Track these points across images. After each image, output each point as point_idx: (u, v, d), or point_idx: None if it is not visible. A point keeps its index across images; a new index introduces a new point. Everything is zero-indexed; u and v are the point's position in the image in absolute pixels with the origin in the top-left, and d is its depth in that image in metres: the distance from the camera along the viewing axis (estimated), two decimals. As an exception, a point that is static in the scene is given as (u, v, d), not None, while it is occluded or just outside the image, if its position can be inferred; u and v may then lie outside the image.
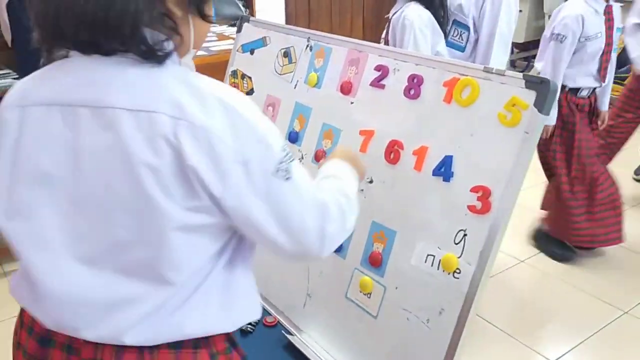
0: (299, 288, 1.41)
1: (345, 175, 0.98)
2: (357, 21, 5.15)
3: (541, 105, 0.98)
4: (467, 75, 1.10)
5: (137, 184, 0.70)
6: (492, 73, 1.06)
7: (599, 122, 2.53)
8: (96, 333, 0.77)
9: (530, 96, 0.99)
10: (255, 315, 0.90)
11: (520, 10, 5.00)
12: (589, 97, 2.39)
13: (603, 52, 2.30)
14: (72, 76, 0.74)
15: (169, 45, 0.74)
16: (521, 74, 1.01)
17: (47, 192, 0.75)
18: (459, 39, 2.19)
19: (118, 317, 0.76)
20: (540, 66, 2.41)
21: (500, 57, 2.13)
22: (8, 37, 2.50)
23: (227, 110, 0.72)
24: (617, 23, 2.33)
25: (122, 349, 0.78)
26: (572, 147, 2.38)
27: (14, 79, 3.24)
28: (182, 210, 0.72)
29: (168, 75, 0.74)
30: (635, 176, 3.28)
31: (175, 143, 0.69)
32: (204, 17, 0.80)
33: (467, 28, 2.17)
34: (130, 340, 0.77)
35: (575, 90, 2.35)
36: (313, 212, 0.82)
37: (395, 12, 1.99)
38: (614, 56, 2.37)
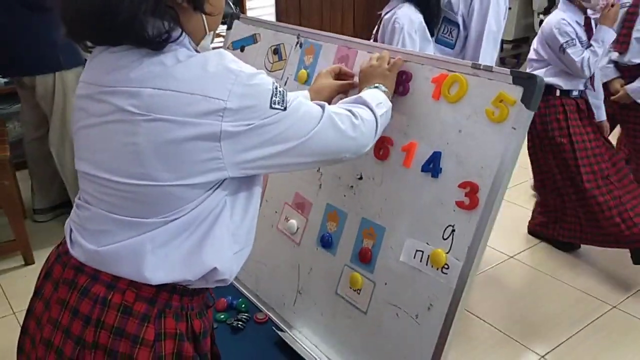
0: (289, 285, 1.42)
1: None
2: (347, 18, 5.15)
3: (528, 100, 0.99)
4: (455, 72, 1.11)
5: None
6: (479, 69, 1.07)
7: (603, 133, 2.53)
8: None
9: (517, 92, 1.00)
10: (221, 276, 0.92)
11: (510, 8, 5.01)
12: (581, 96, 2.40)
13: None
14: (94, 62, 0.89)
15: (174, 33, 0.83)
16: (508, 69, 1.02)
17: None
18: (448, 36, 2.19)
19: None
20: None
21: (489, 54, 2.13)
22: None
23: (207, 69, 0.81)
24: None
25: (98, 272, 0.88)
26: (583, 147, 2.36)
27: (2, 77, 3.22)
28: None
29: (164, 57, 0.82)
30: None
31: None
32: (202, 11, 0.87)
33: (456, 25, 2.18)
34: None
35: (567, 92, 2.37)
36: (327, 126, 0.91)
37: (388, 12, 1.96)
38: (597, 71, 2.40)
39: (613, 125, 2.76)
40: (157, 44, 0.82)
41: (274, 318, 1.44)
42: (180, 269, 0.87)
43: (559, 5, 2.38)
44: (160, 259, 0.85)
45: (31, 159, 2.84)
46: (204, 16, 0.88)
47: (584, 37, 2.31)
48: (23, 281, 2.43)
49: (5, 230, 2.56)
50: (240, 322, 1.41)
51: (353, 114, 0.98)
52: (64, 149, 2.67)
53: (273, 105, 0.83)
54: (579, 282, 2.41)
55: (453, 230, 1.06)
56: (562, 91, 2.36)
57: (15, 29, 2.42)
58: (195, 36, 0.89)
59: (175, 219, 0.85)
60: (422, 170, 1.13)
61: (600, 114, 2.50)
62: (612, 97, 2.58)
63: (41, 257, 2.54)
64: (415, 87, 1.18)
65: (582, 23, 2.32)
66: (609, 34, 2.26)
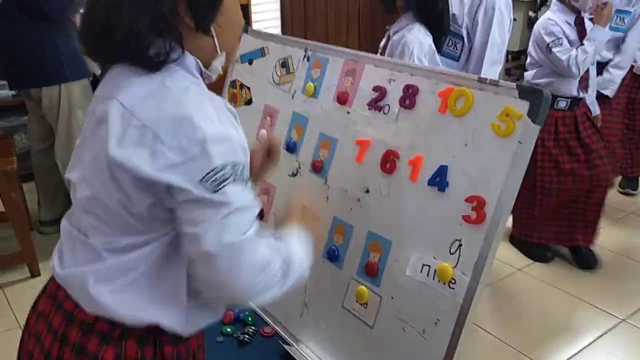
0: (296, 298, 1.41)
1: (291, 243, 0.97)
2: (353, 28, 5.17)
3: (535, 115, 0.99)
4: (461, 86, 1.11)
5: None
6: (485, 83, 1.07)
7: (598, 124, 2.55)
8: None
9: (523, 106, 1.00)
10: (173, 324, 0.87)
11: (515, 19, 5.04)
12: (569, 109, 2.38)
13: None
14: (104, 78, 0.90)
15: (173, 55, 0.81)
16: (514, 83, 1.02)
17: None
18: (453, 48, 2.21)
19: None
20: (530, 75, 2.44)
21: (493, 66, 2.14)
22: None
23: (177, 111, 0.78)
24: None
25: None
26: (534, 163, 2.39)
27: (10, 90, 3.25)
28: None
29: (157, 78, 0.82)
30: (620, 189, 3.28)
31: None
32: (205, 33, 0.86)
33: (461, 38, 2.20)
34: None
35: (554, 101, 2.33)
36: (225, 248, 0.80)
37: (397, 31, 1.91)
38: (591, 68, 2.39)
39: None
40: (153, 65, 0.81)
41: (280, 331, 1.43)
42: (127, 311, 0.84)
43: (550, 6, 2.39)
44: (104, 295, 0.83)
45: (38, 170, 2.86)
46: (214, 36, 0.87)
47: (573, 37, 2.31)
48: (29, 293, 2.43)
49: (12, 242, 2.57)
50: (247, 336, 1.41)
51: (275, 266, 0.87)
52: (68, 160, 2.69)
53: (203, 182, 0.77)
54: (586, 294, 2.39)
55: (460, 245, 1.06)
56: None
57: (22, 42, 2.45)
58: (203, 56, 0.87)
59: (117, 252, 0.83)
60: (429, 184, 1.13)
61: (595, 109, 2.53)
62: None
63: (47, 269, 2.57)
64: (421, 101, 1.18)
65: (573, 23, 2.33)
66: (601, 33, 2.26)
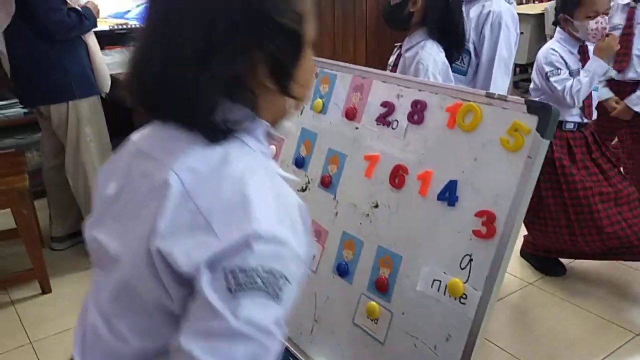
0: (306, 313, 1.41)
1: None
2: (360, 45, 5.21)
3: (543, 129, 0.99)
4: (469, 101, 1.12)
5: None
6: (494, 98, 1.07)
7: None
8: None
9: (532, 121, 1.00)
10: None
11: (522, 32, 5.05)
12: (579, 130, 2.36)
13: None
14: (150, 130, 0.80)
15: (246, 124, 0.71)
16: (523, 99, 1.03)
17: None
18: (460, 63, 2.21)
19: None
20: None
21: (501, 80, 2.15)
22: (6, 65, 2.56)
23: (236, 197, 0.67)
24: None
25: None
26: (560, 187, 2.36)
27: (22, 108, 3.30)
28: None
29: (220, 150, 0.71)
30: None
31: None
32: (289, 96, 0.75)
33: (468, 52, 2.20)
34: None
35: (561, 123, 2.33)
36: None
37: (409, 48, 1.89)
38: (594, 94, 2.37)
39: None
40: (219, 133, 0.70)
41: (291, 348, 1.43)
42: None
43: (554, 34, 2.40)
44: None
45: (49, 186, 2.89)
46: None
47: (576, 66, 2.30)
48: (40, 310, 2.45)
49: (23, 259, 2.58)
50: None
51: None
52: (78, 175, 2.71)
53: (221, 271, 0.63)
54: (599, 309, 2.36)
55: (470, 260, 1.06)
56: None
57: (32, 60, 2.50)
58: (275, 116, 0.77)
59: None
60: (438, 199, 1.13)
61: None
62: (612, 113, 2.58)
63: (58, 286, 2.58)
64: (430, 116, 1.19)
65: (576, 52, 2.32)
66: (598, 65, 2.23)
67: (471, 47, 2.18)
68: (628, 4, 2.57)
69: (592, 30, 2.23)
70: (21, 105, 3.28)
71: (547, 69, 2.30)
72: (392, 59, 2.06)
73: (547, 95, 2.37)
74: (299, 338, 1.43)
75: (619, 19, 2.58)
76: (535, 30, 5.19)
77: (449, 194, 1.12)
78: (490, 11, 2.14)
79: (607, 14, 2.23)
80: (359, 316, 1.27)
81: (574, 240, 2.39)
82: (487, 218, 1.04)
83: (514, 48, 2.18)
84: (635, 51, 2.56)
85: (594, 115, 2.40)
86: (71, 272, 2.72)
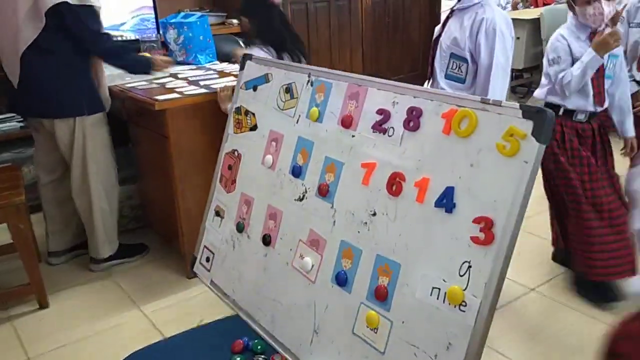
0: (305, 324, 1.40)
1: None
2: (356, 54, 5.23)
3: (539, 134, 0.98)
4: (464, 107, 1.11)
5: None
6: (489, 104, 1.07)
7: (625, 150, 2.49)
8: None
9: (527, 126, 1.00)
10: None
11: (518, 37, 5.08)
12: (588, 122, 2.35)
13: (592, 79, 2.28)
14: None
15: None
16: (518, 104, 1.02)
17: None
18: (458, 71, 2.23)
19: None
20: (539, 93, 2.42)
21: (499, 86, 2.15)
22: (15, 80, 2.56)
23: None
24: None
25: None
26: (576, 171, 2.34)
27: (18, 121, 3.30)
28: None
29: None
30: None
31: None
32: None
33: (465, 60, 2.21)
34: None
35: (570, 113, 2.32)
36: None
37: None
38: (608, 83, 2.34)
39: None
40: None
41: (290, 359, 1.41)
42: None
43: (567, 19, 2.37)
44: None
45: (45, 202, 2.88)
46: None
47: (581, 53, 2.26)
48: (38, 325, 2.43)
49: (20, 274, 2.57)
50: (257, 364, 1.39)
51: None
52: (83, 192, 2.70)
53: None
54: (602, 314, 2.35)
55: (469, 266, 1.05)
56: (566, 111, 2.32)
57: (43, 74, 2.50)
58: None
59: None
60: (436, 206, 1.13)
61: (625, 130, 2.44)
62: (634, 110, 2.54)
63: (56, 301, 2.56)
64: (426, 123, 1.19)
65: (585, 38, 2.29)
66: (593, 59, 2.20)
67: (467, 54, 2.19)
68: None
69: (590, 16, 2.21)
70: (18, 119, 3.27)
71: (550, 55, 2.29)
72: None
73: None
74: (298, 349, 1.41)
75: None
76: (531, 35, 5.21)
77: (446, 201, 1.11)
78: (483, 18, 2.15)
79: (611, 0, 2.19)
80: (359, 326, 1.26)
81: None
82: (485, 224, 1.03)
83: (510, 53, 2.18)
84: None
85: (606, 103, 2.36)
86: (69, 287, 2.70)
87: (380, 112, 1.29)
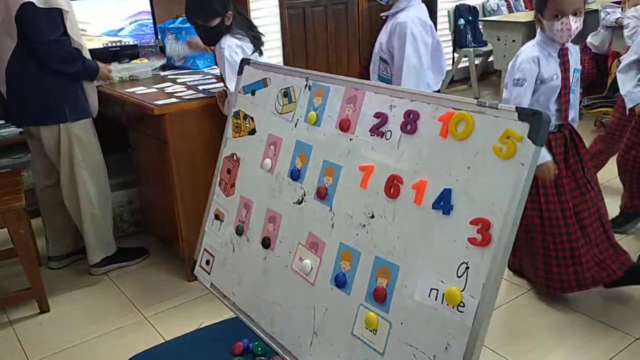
0: (305, 326, 1.41)
1: None
2: (353, 58, 5.24)
3: (535, 136, 1.00)
4: (461, 110, 1.12)
5: None
6: (485, 107, 1.08)
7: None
8: None
9: (523, 128, 1.01)
10: None
11: (514, 41, 5.11)
12: (560, 131, 2.36)
13: (560, 94, 2.31)
14: None
15: None
16: (514, 106, 1.04)
17: None
18: (385, 73, 2.45)
19: None
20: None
21: (412, 86, 2.30)
22: (3, 88, 2.57)
23: None
24: (573, 64, 2.34)
25: None
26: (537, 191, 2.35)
27: (17, 127, 3.30)
28: None
29: None
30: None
31: None
32: None
33: (387, 62, 2.44)
34: None
35: None
36: None
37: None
38: (572, 97, 2.36)
39: None
40: None
41: (290, 361, 1.42)
42: None
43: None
44: None
45: (43, 207, 2.89)
46: None
47: (550, 74, 2.26)
48: (38, 330, 2.44)
49: (21, 278, 2.57)
50: (257, 366, 1.40)
51: None
52: (72, 196, 2.71)
53: None
54: (600, 314, 2.36)
55: (467, 268, 1.06)
56: None
57: (27, 82, 2.51)
58: None
59: None
60: (433, 208, 1.14)
61: None
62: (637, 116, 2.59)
63: (56, 305, 2.57)
64: (423, 126, 1.20)
65: (556, 55, 2.28)
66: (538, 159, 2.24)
67: (389, 57, 2.41)
68: None
69: (557, 31, 2.20)
70: (11, 126, 3.28)
71: (517, 75, 2.29)
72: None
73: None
74: (298, 351, 1.42)
75: None
76: (527, 38, 5.22)
77: (443, 203, 1.12)
78: (398, 22, 2.37)
79: (577, 15, 2.18)
80: (358, 327, 1.27)
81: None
82: (483, 225, 1.05)
83: (425, 54, 2.35)
84: None
85: (571, 116, 2.37)
86: (69, 291, 2.71)
87: (377, 115, 1.30)
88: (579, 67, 2.39)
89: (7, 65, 2.48)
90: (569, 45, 2.32)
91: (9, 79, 2.52)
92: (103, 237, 2.81)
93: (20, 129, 3.29)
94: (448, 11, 5.91)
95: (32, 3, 2.36)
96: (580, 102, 4.80)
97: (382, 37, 2.44)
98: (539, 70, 2.26)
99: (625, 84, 2.66)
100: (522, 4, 6.37)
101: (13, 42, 2.43)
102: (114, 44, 3.33)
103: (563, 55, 2.29)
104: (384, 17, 2.50)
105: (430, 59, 2.40)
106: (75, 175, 2.66)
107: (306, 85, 1.52)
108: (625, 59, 2.72)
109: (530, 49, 2.32)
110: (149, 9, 3.52)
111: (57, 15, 2.45)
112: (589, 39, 3.72)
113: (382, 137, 1.28)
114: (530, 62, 2.27)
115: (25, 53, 2.46)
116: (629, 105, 2.67)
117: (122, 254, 2.91)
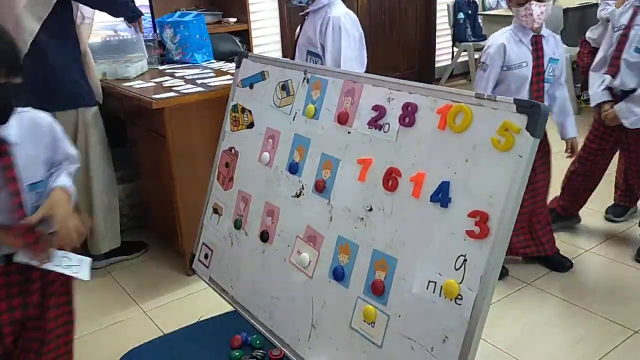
0: (303, 319, 1.41)
1: None
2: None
3: (533, 128, 0.99)
4: (459, 102, 1.12)
5: None
6: (483, 99, 1.08)
7: (567, 151, 2.58)
8: None
9: (521, 120, 1.01)
10: None
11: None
12: None
13: (532, 82, 2.31)
14: None
15: None
16: (512, 99, 1.03)
17: None
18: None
19: None
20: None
21: None
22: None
23: None
24: (550, 54, 2.33)
25: None
26: None
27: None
28: None
29: None
30: (605, 215, 3.13)
31: None
32: None
33: (318, 56, 2.54)
34: None
35: None
36: None
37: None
38: (547, 86, 2.36)
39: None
40: None
41: (288, 354, 1.42)
42: None
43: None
44: None
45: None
46: None
47: (518, 61, 2.28)
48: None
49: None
50: (256, 359, 1.40)
51: None
52: (84, 182, 2.70)
53: None
54: (598, 307, 2.37)
55: (465, 260, 1.06)
56: None
57: (45, 66, 2.51)
58: None
59: None
60: (431, 200, 1.14)
61: (566, 131, 2.52)
62: (602, 116, 2.57)
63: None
64: (421, 118, 1.20)
65: (528, 41, 2.29)
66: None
67: (320, 51, 2.50)
68: (635, 2, 2.46)
69: (522, 17, 2.25)
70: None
71: (483, 58, 2.35)
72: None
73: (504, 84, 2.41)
74: (297, 344, 1.42)
75: (625, 19, 2.49)
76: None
77: (441, 195, 1.12)
78: (330, 17, 2.47)
79: (541, 1, 2.21)
80: (356, 320, 1.27)
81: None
82: (481, 218, 1.04)
83: (359, 45, 2.53)
84: (625, 55, 2.45)
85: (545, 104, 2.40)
86: (68, 285, 2.71)
87: (375, 108, 1.30)
88: (558, 57, 2.38)
89: (27, 54, 2.48)
90: (547, 34, 2.33)
91: (29, 65, 2.52)
92: (112, 228, 2.82)
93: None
94: (447, 5, 5.89)
95: None
96: (580, 96, 4.79)
97: (309, 32, 2.55)
98: (504, 59, 2.30)
99: (594, 83, 2.64)
100: None
101: (35, 24, 2.43)
102: (111, 38, 3.31)
103: (536, 42, 2.29)
104: (305, 16, 2.62)
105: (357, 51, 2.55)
106: (89, 164, 2.67)
107: (304, 78, 1.51)
108: (597, 56, 2.71)
109: (499, 36, 2.35)
110: (147, 2, 3.50)
111: None
112: (588, 33, 3.70)
113: (380, 130, 1.28)
114: (496, 49, 2.32)
115: (46, 35, 2.45)
116: (592, 104, 2.66)
117: (121, 248, 2.91)
